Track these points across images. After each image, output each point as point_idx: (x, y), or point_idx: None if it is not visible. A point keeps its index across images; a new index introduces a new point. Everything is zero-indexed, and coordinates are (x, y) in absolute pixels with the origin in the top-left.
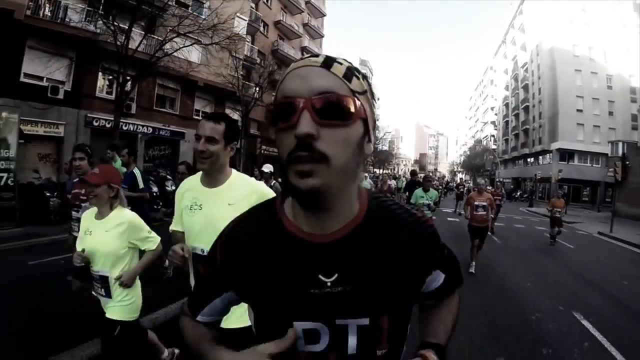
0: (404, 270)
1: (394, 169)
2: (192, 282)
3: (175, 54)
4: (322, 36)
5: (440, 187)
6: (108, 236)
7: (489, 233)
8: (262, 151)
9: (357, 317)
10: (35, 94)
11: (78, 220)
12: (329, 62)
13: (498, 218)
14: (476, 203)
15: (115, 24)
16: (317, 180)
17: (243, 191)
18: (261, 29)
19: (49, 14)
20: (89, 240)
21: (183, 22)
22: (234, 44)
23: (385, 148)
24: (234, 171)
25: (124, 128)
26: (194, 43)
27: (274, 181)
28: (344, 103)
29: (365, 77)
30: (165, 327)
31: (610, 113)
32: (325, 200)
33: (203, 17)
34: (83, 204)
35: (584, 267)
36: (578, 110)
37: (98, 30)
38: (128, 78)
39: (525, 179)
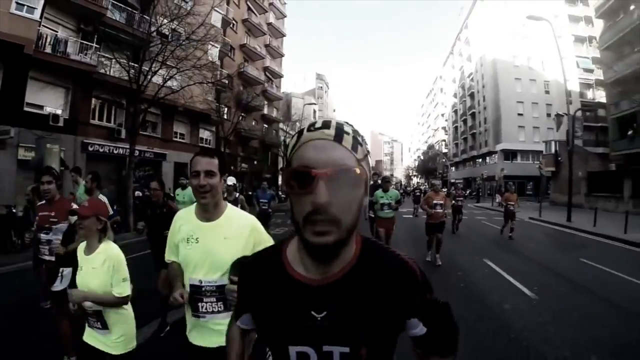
0: (384, 310)
1: None
2: (188, 313)
3: (168, 83)
4: (282, 55)
5: (401, 190)
6: (95, 273)
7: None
8: (240, 168)
9: (339, 345)
10: (36, 122)
11: (48, 242)
12: (340, 134)
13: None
14: (434, 202)
15: (132, 64)
16: (330, 238)
17: (239, 225)
18: (229, 53)
19: (50, 47)
20: (80, 276)
21: (170, 53)
22: (214, 71)
23: None
24: (228, 205)
25: (115, 152)
26: (183, 70)
27: (237, 194)
28: (353, 174)
29: (364, 139)
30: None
31: (549, 115)
32: (335, 253)
33: (181, 45)
34: (54, 227)
35: (507, 239)
36: (519, 114)
37: (94, 63)
38: (144, 107)
39: (475, 179)
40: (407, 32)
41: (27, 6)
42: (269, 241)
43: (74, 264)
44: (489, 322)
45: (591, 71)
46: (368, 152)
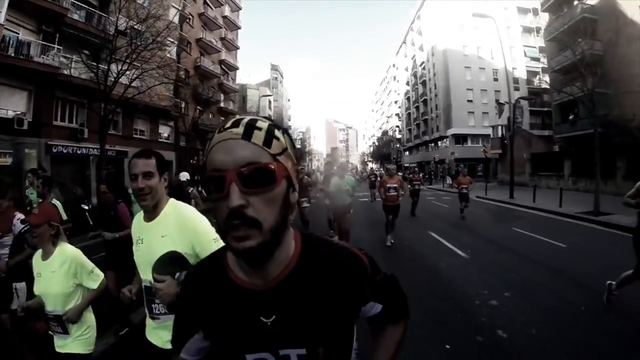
0: (336, 305)
1: (308, 165)
2: (148, 316)
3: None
4: (238, 48)
5: (358, 176)
6: (55, 277)
7: (434, 234)
8: (192, 162)
9: (295, 347)
10: (1, 127)
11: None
12: (249, 131)
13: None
14: (388, 185)
15: (100, 65)
16: (252, 242)
17: (175, 222)
18: (187, 48)
19: (12, 50)
20: (40, 283)
21: (137, 55)
22: (173, 69)
23: (299, 147)
24: (170, 201)
25: (78, 152)
26: (147, 70)
27: (191, 189)
28: (267, 170)
29: (285, 131)
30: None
31: (497, 101)
32: (262, 257)
33: (147, 48)
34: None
35: (450, 214)
36: (469, 100)
37: (57, 64)
38: (111, 108)
39: (428, 162)
40: (362, 22)
41: None
42: (207, 233)
43: (27, 276)
44: (426, 274)
45: (538, 60)
46: (291, 144)
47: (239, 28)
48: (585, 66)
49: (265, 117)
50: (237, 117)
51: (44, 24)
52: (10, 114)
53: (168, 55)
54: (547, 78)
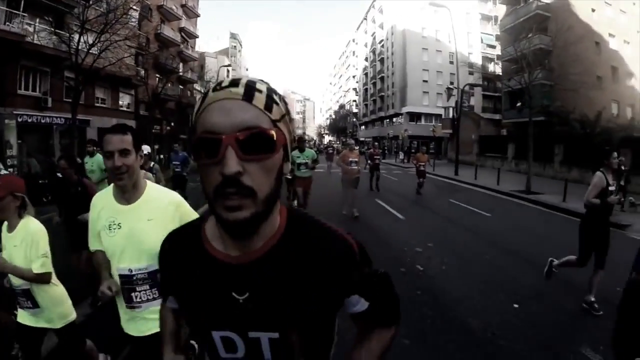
0: (315, 289)
1: None
2: (121, 305)
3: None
4: (198, 15)
5: (315, 149)
6: (16, 251)
7: (379, 201)
8: (153, 131)
9: (267, 330)
10: None
11: None
12: (250, 92)
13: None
14: (350, 159)
15: (75, 39)
16: (245, 212)
17: (160, 204)
18: (148, 15)
19: None
20: (5, 256)
21: (92, 19)
22: (136, 37)
23: None
24: (148, 183)
25: (42, 121)
26: (117, 41)
27: (152, 163)
28: (267, 137)
29: (282, 99)
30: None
31: (452, 83)
32: (252, 229)
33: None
34: None
35: (397, 186)
36: (424, 80)
37: (23, 33)
38: (79, 78)
39: (383, 138)
40: None
41: None
42: (192, 215)
43: None
44: (367, 232)
45: (494, 47)
46: (287, 112)
47: None
48: (526, 63)
49: (262, 80)
50: (233, 77)
51: None
52: None
53: (132, 23)
54: (500, 65)
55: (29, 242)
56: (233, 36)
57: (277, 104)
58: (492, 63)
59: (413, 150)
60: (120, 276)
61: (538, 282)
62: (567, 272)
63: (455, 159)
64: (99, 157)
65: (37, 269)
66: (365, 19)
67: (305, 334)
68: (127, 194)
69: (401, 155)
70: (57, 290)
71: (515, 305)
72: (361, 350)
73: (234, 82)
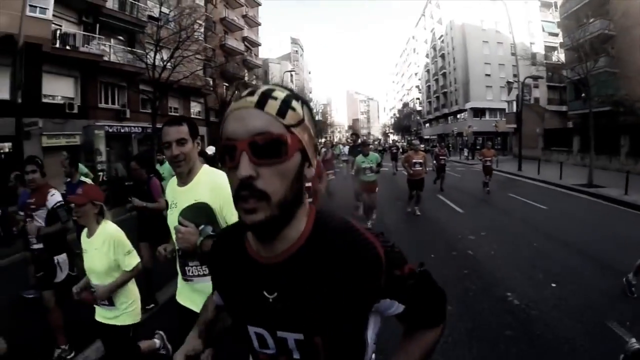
0: (340, 294)
1: (330, 137)
2: (179, 278)
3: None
4: (259, 24)
5: (380, 148)
6: (97, 254)
7: (444, 198)
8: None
9: (292, 331)
10: (54, 111)
11: None
12: (262, 101)
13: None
14: (414, 160)
15: (151, 56)
16: (260, 215)
17: (207, 186)
18: (212, 28)
19: (59, 41)
20: (86, 259)
21: (165, 38)
22: (205, 51)
23: (320, 119)
24: (203, 167)
25: (122, 131)
26: (188, 56)
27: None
28: (277, 142)
29: (304, 102)
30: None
31: (515, 76)
32: (270, 231)
33: (175, 30)
34: (33, 213)
35: (458, 181)
36: (486, 74)
37: (101, 53)
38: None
39: (447, 135)
40: None
41: (40, 7)
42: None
43: (66, 249)
44: (426, 223)
45: (556, 35)
46: (310, 116)
47: (259, 4)
48: (584, 52)
49: (285, 87)
50: (256, 85)
51: (84, 15)
52: (60, 99)
53: (200, 38)
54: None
55: (112, 243)
56: (294, 41)
57: (293, 109)
58: (556, 52)
59: (478, 147)
60: (177, 250)
61: (580, 266)
62: (611, 256)
63: (519, 154)
64: (167, 165)
65: (128, 265)
66: (424, 15)
67: (330, 338)
68: (184, 177)
69: (465, 152)
70: (132, 290)
71: (553, 285)
72: (399, 354)
73: (251, 92)
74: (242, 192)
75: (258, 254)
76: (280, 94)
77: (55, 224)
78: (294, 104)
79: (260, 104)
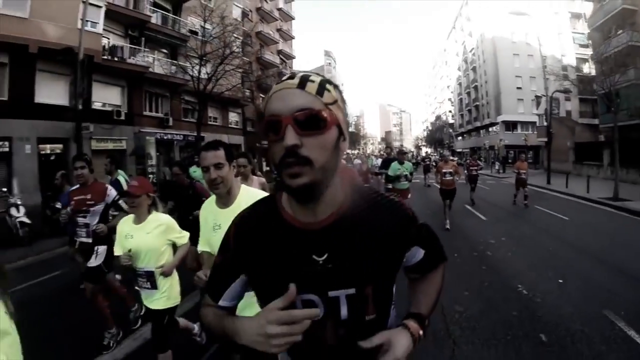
0: (383, 247)
1: (362, 149)
2: None
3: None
4: (293, 38)
5: (413, 161)
6: (150, 237)
7: (469, 207)
8: (261, 145)
9: (345, 288)
10: (103, 117)
11: (86, 225)
12: (303, 82)
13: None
14: (444, 170)
15: (196, 70)
16: (304, 179)
17: None
18: (249, 42)
19: (108, 53)
20: (131, 243)
21: (209, 52)
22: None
23: (353, 130)
24: (242, 187)
25: (165, 138)
26: (229, 70)
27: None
28: (318, 116)
29: (336, 87)
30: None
31: (547, 88)
32: (313, 194)
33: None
34: (91, 209)
35: (486, 193)
36: (518, 87)
37: (147, 65)
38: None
39: (479, 148)
40: (413, 3)
41: (91, 22)
42: None
43: (109, 241)
44: (455, 228)
45: (587, 46)
46: (341, 98)
47: (293, 19)
48: (609, 67)
49: (317, 74)
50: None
51: (130, 29)
52: (108, 106)
53: (236, 49)
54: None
55: (164, 228)
56: (327, 54)
57: (328, 91)
58: (587, 64)
59: (510, 161)
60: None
61: (589, 268)
62: (622, 261)
63: (547, 167)
64: (198, 170)
65: (182, 239)
66: (454, 27)
67: (378, 287)
68: (224, 199)
69: (497, 166)
70: (173, 274)
71: (560, 281)
72: (419, 295)
73: (291, 76)
74: (288, 159)
75: (299, 221)
76: (316, 78)
77: (107, 216)
78: (328, 86)
79: (302, 85)
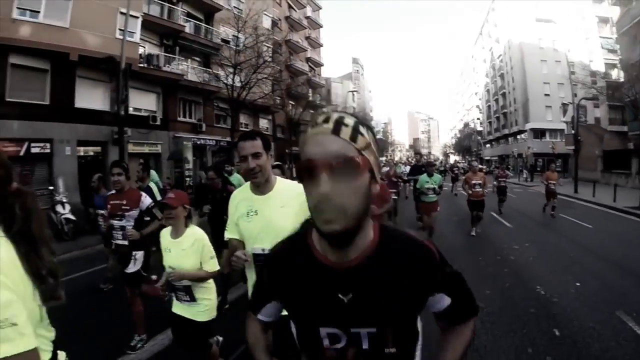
0: (407, 291)
1: (390, 156)
2: (252, 278)
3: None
4: (321, 45)
5: (442, 169)
6: (185, 254)
7: (495, 214)
8: (291, 151)
9: (366, 327)
10: (139, 122)
11: (122, 228)
12: (338, 127)
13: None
14: (473, 182)
15: (230, 78)
16: (336, 225)
17: (291, 194)
18: (279, 50)
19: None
20: (169, 258)
21: (242, 62)
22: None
23: (381, 137)
24: (277, 177)
25: (198, 142)
26: (262, 79)
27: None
28: (352, 163)
29: (369, 128)
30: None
31: (575, 95)
32: (346, 239)
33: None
34: (126, 214)
35: (512, 201)
36: (546, 94)
37: (182, 73)
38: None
39: (507, 156)
40: (440, 9)
41: (129, 31)
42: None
43: (145, 246)
44: (481, 234)
45: (615, 52)
46: (374, 140)
47: (321, 26)
48: (635, 75)
49: (351, 114)
50: (327, 111)
51: (165, 38)
52: (144, 112)
53: (268, 58)
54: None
55: (200, 246)
56: (355, 61)
57: (362, 135)
58: (615, 69)
59: (538, 169)
60: (255, 255)
61: (609, 272)
62: (638, 266)
63: (575, 176)
64: (236, 176)
65: (211, 268)
66: (481, 34)
67: (397, 328)
68: (261, 187)
69: (524, 174)
70: (211, 288)
71: (577, 284)
72: (445, 349)
73: (326, 119)
74: (323, 205)
75: (328, 260)
76: (350, 122)
77: (142, 222)
78: (362, 129)
79: (336, 131)
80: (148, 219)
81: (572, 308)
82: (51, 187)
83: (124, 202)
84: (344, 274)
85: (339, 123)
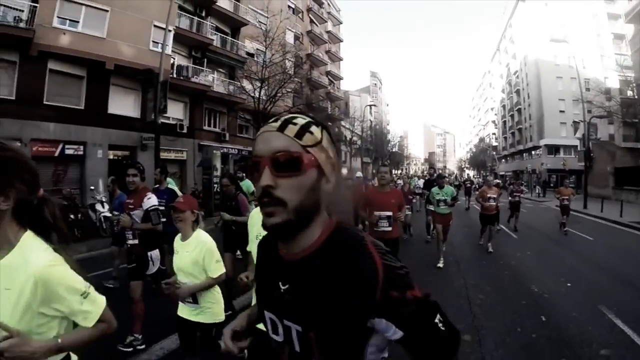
0: (339, 299)
1: (406, 170)
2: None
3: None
4: (341, 59)
5: (456, 183)
6: (189, 257)
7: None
8: None
9: (294, 322)
10: (167, 129)
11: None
12: (284, 126)
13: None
14: (488, 196)
15: (257, 91)
16: (277, 219)
17: None
18: (301, 64)
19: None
20: (176, 259)
21: (269, 77)
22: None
23: (397, 151)
24: None
25: (222, 151)
26: (287, 93)
27: None
28: (293, 158)
29: (324, 128)
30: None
31: (589, 111)
32: (286, 233)
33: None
34: (132, 213)
35: (524, 216)
36: (560, 111)
37: (209, 84)
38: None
39: (522, 171)
40: (457, 22)
41: (161, 44)
42: None
43: (158, 244)
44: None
45: (630, 68)
46: (329, 140)
47: (341, 41)
48: None
49: (308, 115)
50: (282, 114)
51: (194, 50)
52: (172, 120)
53: (292, 73)
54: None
55: (203, 250)
56: (373, 74)
57: (311, 133)
58: (631, 86)
59: (551, 185)
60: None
61: (599, 276)
62: (626, 272)
63: (584, 192)
64: (246, 182)
65: (214, 272)
66: (498, 50)
67: (324, 336)
68: None
69: (537, 190)
70: (216, 293)
71: (569, 284)
72: None
73: (276, 119)
74: (264, 198)
75: (282, 251)
76: (301, 121)
77: (147, 223)
78: (313, 128)
79: (282, 128)
80: (164, 220)
81: (560, 302)
82: (92, 187)
83: (132, 201)
84: (287, 265)
85: (287, 122)
